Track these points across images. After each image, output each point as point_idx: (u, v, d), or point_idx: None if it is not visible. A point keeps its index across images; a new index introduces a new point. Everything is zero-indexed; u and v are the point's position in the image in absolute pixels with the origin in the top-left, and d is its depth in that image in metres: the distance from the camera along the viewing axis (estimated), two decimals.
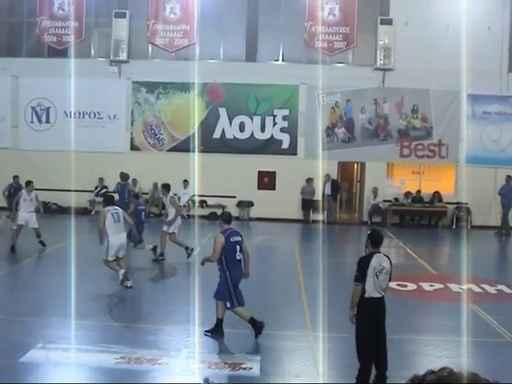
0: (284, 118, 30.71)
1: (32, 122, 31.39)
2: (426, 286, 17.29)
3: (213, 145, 30.48)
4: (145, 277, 18.18)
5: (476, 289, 16.92)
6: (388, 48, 30.03)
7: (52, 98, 31.09)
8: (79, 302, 13.64)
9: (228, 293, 12.02)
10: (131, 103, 31.07)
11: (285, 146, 30.77)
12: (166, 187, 20.47)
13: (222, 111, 30.80)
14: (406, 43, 29.64)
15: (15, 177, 25.75)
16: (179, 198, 30.12)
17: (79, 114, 30.98)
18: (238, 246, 12.07)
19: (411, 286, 17.03)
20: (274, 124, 30.75)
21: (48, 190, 26.50)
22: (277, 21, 31.03)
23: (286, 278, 18.09)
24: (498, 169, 29.36)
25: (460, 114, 30.12)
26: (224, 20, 31.14)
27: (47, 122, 31.35)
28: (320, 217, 29.95)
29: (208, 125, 30.76)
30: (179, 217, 20.17)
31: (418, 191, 30.57)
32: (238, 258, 12.08)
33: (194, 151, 29.43)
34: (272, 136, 30.79)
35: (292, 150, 30.71)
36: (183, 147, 30.33)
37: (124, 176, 25.08)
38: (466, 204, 30.01)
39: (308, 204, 30.54)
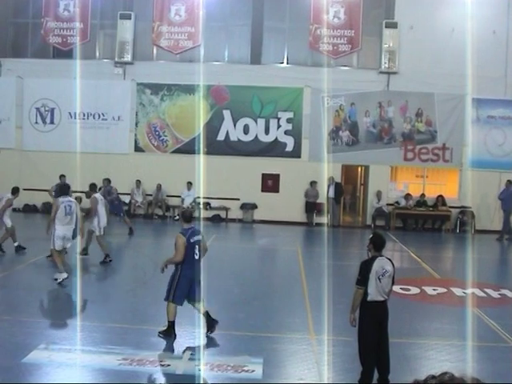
0: (288, 120, 30.70)
1: (36, 122, 31.44)
2: (429, 290, 17.25)
3: (217, 147, 30.49)
4: (148, 278, 18.18)
5: (479, 293, 16.88)
6: (393, 51, 30.02)
7: (56, 99, 31.14)
8: (82, 303, 13.64)
9: (169, 286, 12.12)
10: (136, 105, 31.10)
11: (289, 148, 30.76)
12: (92, 187, 20.74)
13: (227, 113, 30.81)
14: (410, 47, 29.66)
15: (62, 176, 25.86)
16: (183, 200, 30.27)
17: (84, 115, 31.01)
18: (197, 246, 12.18)
19: (414, 290, 17.00)
20: (279, 127, 30.75)
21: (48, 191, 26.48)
22: (282, 23, 31.04)
23: (289, 281, 18.07)
24: (502, 173, 29.32)
25: (464, 118, 30.10)
26: (229, 22, 31.17)
27: (52, 122, 31.38)
28: (324, 220, 29.95)
29: (212, 127, 30.77)
30: (105, 218, 19.79)
31: (422, 195, 30.54)
32: (195, 257, 12.17)
33: (198, 153, 29.45)
34: (276, 138, 30.79)
35: (296, 153, 30.71)
36: (187, 149, 30.37)
37: (107, 181, 24.94)
38: (470, 208, 29.98)
39: (312, 207, 30.52)
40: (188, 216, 12.60)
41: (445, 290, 17.37)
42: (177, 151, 30.96)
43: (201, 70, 29.32)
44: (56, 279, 15.82)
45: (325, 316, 12.88)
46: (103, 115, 31.07)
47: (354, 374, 9.85)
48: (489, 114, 30.12)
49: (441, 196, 30.36)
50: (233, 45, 31.36)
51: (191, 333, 12.30)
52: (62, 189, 17.26)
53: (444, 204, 30.32)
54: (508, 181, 28.30)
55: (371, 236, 10.08)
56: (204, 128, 30.58)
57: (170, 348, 11.66)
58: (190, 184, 30.22)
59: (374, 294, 9.56)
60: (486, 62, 28.36)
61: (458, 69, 28.43)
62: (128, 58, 30.80)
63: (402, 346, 11.57)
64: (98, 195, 20.02)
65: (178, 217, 29.66)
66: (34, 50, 31.91)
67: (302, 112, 30.65)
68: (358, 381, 9.69)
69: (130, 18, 30.61)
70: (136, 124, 31.17)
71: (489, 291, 17.20)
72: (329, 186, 30.13)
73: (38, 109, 31.43)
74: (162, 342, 12.00)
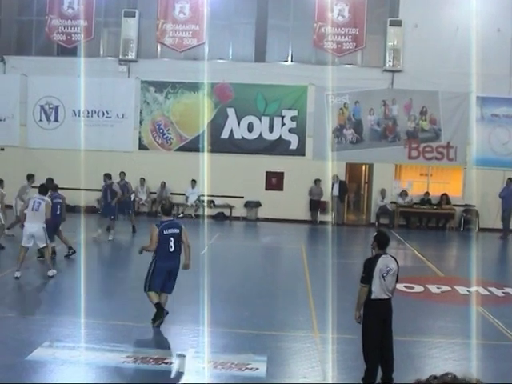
0: (292, 118, 30.69)
1: (41, 120, 31.45)
2: (433, 288, 17.25)
3: (221, 145, 30.49)
4: None
5: (483, 291, 16.87)
6: (397, 50, 29.97)
7: (61, 97, 31.15)
8: (86, 301, 13.66)
9: (146, 277, 12.58)
10: (140, 102, 31.11)
11: (293, 146, 30.75)
12: (29, 178, 21.09)
13: (231, 111, 30.80)
14: (415, 45, 29.61)
15: (121, 173, 26.31)
16: (187, 198, 30.29)
17: (88, 112, 31.03)
18: (172, 239, 12.48)
19: (418, 288, 17.00)
20: (283, 125, 30.73)
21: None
22: (286, 21, 31.02)
23: (293, 279, 18.08)
24: (506, 171, 29.24)
25: (469, 117, 30.05)
26: (233, 20, 31.16)
27: (56, 120, 31.40)
28: (328, 218, 29.94)
29: (216, 125, 30.77)
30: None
31: (426, 193, 30.51)
32: (170, 250, 12.48)
33: (202, 151, 29.46)
34: (280, 137, 30.77)
35: (300, 151, 30.70)
36: (191, 147, 30.37)
37: (107, 176, 24.93)
38: (474, 206, 29.95)
39: (316, 205, 30.51)
40: (166, 209, 13.13)
41: (449, 289, 17.37)
42: (181, 149, 30.95)
43: (205, 67, 29.31)
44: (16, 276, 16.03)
45: (329, 314, 12.89)
46: (107, 113, 31.07)
47: (357, 373, 9.85)
48: (493, 113, 30.07)
49: (445, 194, 30.32)
50: (237, 43, 31.35)
51: (195, 330, 12.31)
52: (41, 188, 17.37)
53: (448, 202, 30.29)
54: (509, 179, 28.25)
55: (375, 234, 10.07)
56: (208, 126, 30.58)
57: (173, 346, 11.67)
58: (194, 182, 30.23)
59: (378, 291, 9.56)
60: (491, 60, 28.30)
61: (462, 67, 28.40)
62: (132, 55, 30.79)
63: (405, 344, 11.57)
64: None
65: (181, 214, 29.71)
66: (39, 47, 31.93)
67: (306, 110, 30.63)
68: (361, 379, 9.69)
69: (135, 16, 30.59)
70: (140, 122, 31.18)
71: (493, 289, 17.20)
72: (333, 184, 30.10)
73: (42, 106, 31.45)
74: (166, 340, 12.02)
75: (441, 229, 30.31)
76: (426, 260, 21.92)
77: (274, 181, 30.92)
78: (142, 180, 30.36)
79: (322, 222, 30.07)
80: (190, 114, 30.75)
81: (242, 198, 30.75)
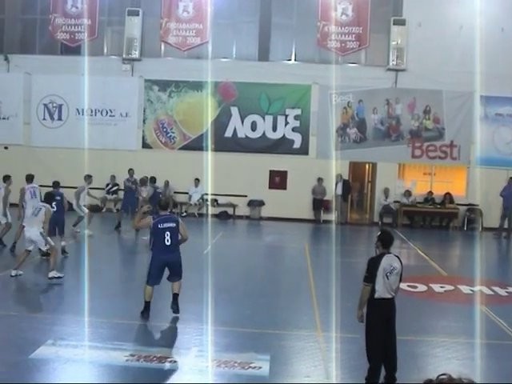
0: (296, 117, 30.69)
1: (44, 119, 31.50)
2: (436, 288, 17.23)
3: (224, 144, 30.49)
4: None
5: (487, 291, 16.86)
6: (401, 48, 29.96)
7: (64, 96, 31.20)
8: (90, 299, 13.67)
9: (147, 272, 13.03)
10: (143, 101, 31.14)
11: (296, 145, 30.76)
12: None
13: (234, 110, 30.81)
14: (418, 44, 29.59)
15: (130, 170, 26.81)
16: (190, 197, 30.31)
17: (91, 111, 31.07)
18: (168, 232, 12.84)
19: (421, 288, 16.98)
20: (286, 123, 30.74)
21: (59, 187, 26.47)
22: (289, 20, 31.00)
23: (297, 278, 18.07)
24: (510, 171, 29.22)
25: (472, 116, 30.03)
26: (237, 19, 31.16)
27: (59, 119, 31.44)
28: (331, 217, 29.93)
29: (220, 124, 30.78)
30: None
31: (430, 192, 30.50)
32: (167, 243, 12.83)
33: (205, 150, 29.46)
34: (284, 135, 30.78)
35: (304, 150, 30.69)
36: (195, 146, 30.38)
37: (152, 180, 24.89)
38: (478, 206, 29.93)
39: (319, 204, 30.52)
40: (163, 204, 13.66)
41: (452, 288, 17.35)
42: (184, 148, 30.98)
43: (208, 66, 29.31)
44: (12, 275, 16.11)
45: (332, 313, 12.87)
46: (111, 112, 31.11)
47: (360, 372, 9.83)
48: (497, 112, 30.05)
49: (448, 193, 30.32)
50: (241, 41, 31.35)
51: (198, 329, 12.31)
52: (46, 195, 17.68)
53: (451, 201, 30.28)
54: (511, 178, 28.25)
55: (379, 233, 10.05)
56: (212, 125, 30.58)
57: (177, 344, 11.68)
58: (197, 181, 30.25)
59: (381, 291, 9.55)
60: (495, 60, 28.27)
61: (466, 66, 28.39)
62: (136, 54, 30.80)
63: (409, 344, 11.56)
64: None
65: (185, 213, 29.72)
66: (42, 46, 31.96)
67: (309, 109, 30.63)
68: (364, 378, 9.68)
69: (138, 15, 30.61)
70: (144, 121, 31.20)
71: (496, 289, 17.18)
72: (336, 184, 30.10)
73: (45, 105, 31.49)
74: (170, 339, 12.03)
75: (444, 228, 30.30)
76: (430, 259, 21.91)
77: (278, 180, 30.93)
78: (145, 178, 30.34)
79: (326, 221, 30.07)
80: (193, 112, 30.76)
81: (246, 196, 30.76)
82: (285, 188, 30.90)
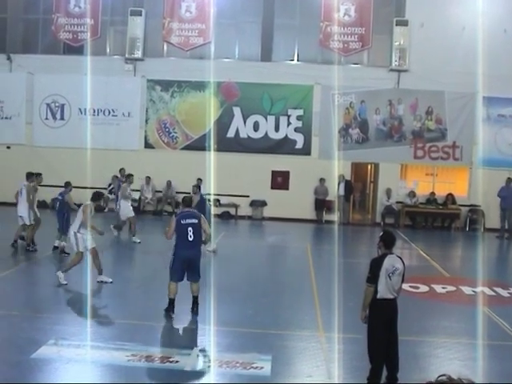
0: (298, 117, 30.70)
1: (47, 118, 31.52)
2: (438, 288, 17.23)
3: (227, 144, 30.49)
4: (156, 274, 18.20)
5: (488, 292, 16.85)
6: (403, 49, 29.95)
7: (67, 95, 31.22)
8: (91, 299, 13.67)
9: (169, 267, 13.15)
10: (146, 101, 31.16)
11: (299, 145, 30.76)
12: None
13: (237, 110, 30.82)
14: (421, 45, 29.58)
15: (121, 169, 26.84)
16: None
17: (94, 111, 31.08)
18: (190, 228, 12.96)
19: (423, 288, 16.98)
20: (289, 124, 30.74)
21: (62, 187, 26.47)
22: (292, 21, 30.99)
23: (299, 278, 18.07)
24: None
25: (475, 117, 30.02)
26: (239, 19, 31.16)
27: (62, 118, 31.46)
28: (333, 217, 29.93)
29: (222, 124, 30.79)
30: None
31: (432, 193, 30.49)
32: (189, 239, 12.95)
33: (207, 150, 29.47)
34: (286, 136, 30.78)
35: (306, 150, 30.70)
36: (197, 146, 30.39)
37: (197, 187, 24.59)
38: (480, 206, 29.91)
39: (321, 204, 30.53)
40: (187, 200, 13.84)
41: (454, 289, 17.35)
42: (187, 148, 31.00)
43: (211, 66, 29.31)
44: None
45: (334, 314, 12.87)
46: (113, 111, 31.12)
47: (362, 372, 9.84)
48: (499, 113, 30.03)
49: (450, 194, 30.31)
50: (243, 42, 31.35)
51: (200, 329, 12.32)
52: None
53: (454, 202, 30.27)
54: (508, 178, 28.25)
55: (381, 234, 10.06)
56: (214, 125, 30.59)
57: (178, 344, 11.68)
58: (199, 181, 30.22)
59: (383, 291, 9.54)
60: (497, 61, 28.24)
61: (468, 67, 28.38)
62: (138, 54, 30.82)
63: (410, 344, 11.56)
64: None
65: None
66: (45, 45, 31.97)
67: (312, 109, 30.63)
68: (366, 378, 9.68)
69: (141, 15, 30.62)
70: (146, 121, 31.22)
71: (498, 290, 17.17)
72: (339, 184, 30.10)
73: (48, 105, 31.51)
74: (171, 339, 12.03)
75: (446, 229, 30.28)
76: (432, 260, 21.90)
77: (280, 180, 30.94)
78: (148, 179, 30.38)
79: (328, 222, 30.08)
80: (195, 112, 30.77)
81: (248, 197, 30.76)
82: (287, 188, 30.90)
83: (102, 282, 15.73)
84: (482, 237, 28.36)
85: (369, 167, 33.52)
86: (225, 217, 30.36)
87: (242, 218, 30.65)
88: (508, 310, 15.06)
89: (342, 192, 30.18)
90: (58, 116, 31.50)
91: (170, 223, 13.22)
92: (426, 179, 31.46)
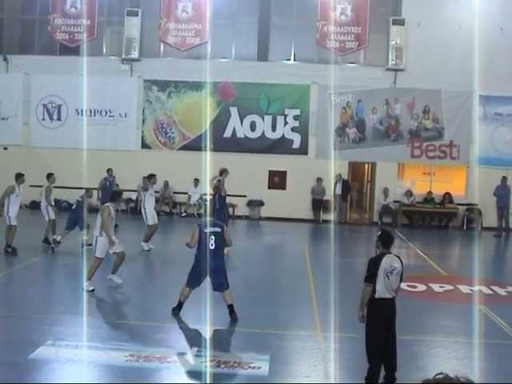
0: (295, 117, 30.69)
1: (43, 119, 31.49)
2: (435, 287, 17.24)
3: (224, 144, 30.46)
4: (154, 275, 18.20)
5: (486, 290, 16.86)
6: (400, 48, 29.96)
7: (63, 96, 31.19)
8: (89, 300, 13.67)
9: (189, 274, 13.18)
10: (142, 101, 31.14)
11: (296, 145, 30.75)
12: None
13: (233, 110, 30.81)
14: (418, 44, 29.58)
15: (108, 169, 26.67)
16: (190, 197, 30.31)
17: (90, 111, 31.06)
18: (212, 237, 12.98)
19: (421, 287, 16.99)
20: (285, 123, 30.74)
21: (58, 188, 26.47)
22: (289, 20, 30.99)
23: (296, 278, 18.06)
24: (509, 170, 29.21)
25: (471, 115, 30.03)
26: (236, 19, 31.15)
27: (58, 119, 31.45)
28: (331, 217, 29.93)
29: (219, 124, 30.77)
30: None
31: (429, 192, 30.50)
32: (211, 247, 12.94)
33: (204, 150, 29.44)
34: (283, 135, 30.78)
35: (303, 150, 30.69)
36: (194, 146, 30.36)
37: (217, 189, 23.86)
38: (477, 205, 29.93)
39: (318, 204, 30.53)
40: (210, 210, 14.57)
41: (451, 288, 17.36)
42: (184, 148, 30.98)
43: (208, 66, 29.27)
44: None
45: (331, 313, 12.88)
46: (110, 112, 31.11)
47: (360, 372, 9.83)
48: (496, 111, 30.05)
49: (448, 193, 30.32)
50: (240, 42, 31.34)
51: (198, 329, 12.32)
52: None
53: (451, 201, 30.29)
54: (503, 177, 28.30)
55: (380, 233, 10.05)
56: (211, 125, 30.56)
57: (176, 344, 11.67)
58: (196, 181, 30.24)
59: (381, 291, 9.54)
60: (494, 59, 28.24)
61: (465, 65, 28.37)
62: (135, 54, 30.80)
63: (408, 343, 11.56)
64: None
65: (184, 214, 29.75)
66: (41, 46, 31.95)
67: (308, 109, 30.63)
68: (364, 378, 9.68)
69: (137, 15, 30.60)
70: (143, 121, 31.21)
71: (496, 288, 17.20)
72: (336, 183, 30.11)
73: (44, 105, 31.48)
74: (169, 339, 12.02)
75: (443, 228, 30.29)
76: (429, 259, 21.92)
77: (277, 180, 30.93)
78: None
79: (325, 221, 30.08)
80: (192, 112, 30.76)
81: (245, 196, 30.75)
82: (284, 188, 30.91)
83: (111, 280, 15.63)
84: (479, 236, 28.38)
85: (366, 166, 33.53)
86: None
87: (240, 217, 30.64)
88: (505, 309, 15.08)
89: (339, 191, 30.19)
90: (55, 117, 31.48)
91: (193, 232, 13.15)
92: (423, 178, 31.47)
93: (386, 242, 9.83)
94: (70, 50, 31.41)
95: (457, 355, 11.54)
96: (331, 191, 30.14)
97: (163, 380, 10.06)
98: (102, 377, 10.02)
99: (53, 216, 20.98)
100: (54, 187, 22.65)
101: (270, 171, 30.87)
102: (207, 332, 12.04)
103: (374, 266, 9.64)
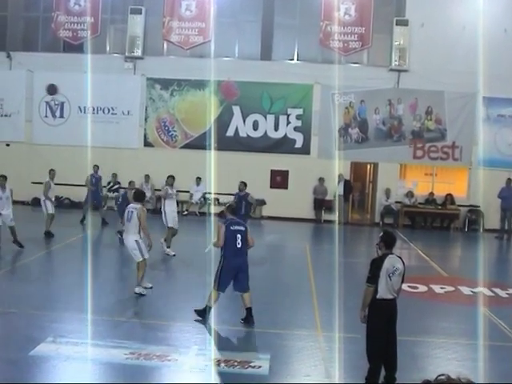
0: (298, 117, 30.67)
1: (46, 116, 31.50)
2: (436, 289, 17.23)
3: (226, 143, 30.44)
4: (156, 273, 18.18)
5: (487, 292, 16.85)
6: (403, 49, 29.93)
7: (66, 93, 31.18)
8: (90, 297, 13.66)
9: (215, 275, 12.77)
10: (145, 99, 31.13)
11: (298, 145, 30.73)
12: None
13: (236, 109, 30.79)
14: (421, 44, 29.55)
15: (94, 166, 26.78)
16: (192, 196, 30.30)
17: (93, 109, 31.05)
18: (238, 235, 12.72)
19: (422, 288, 16.98)
20: (288, 123, 30.72)
21: (61, 185, 26.44)
22: (292, 20, 30.97)
23: (297, 278, 18.07)
24: (511, 172, 29.17)
25: (474, 117, 29.99)
26: (239, 18, 31.13)
27: (61, 116, 31.45)
28: (332, 217, 29.89)
29: (222, 123, 30.76)
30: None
31: (431, 193, 30.47)
32: (238, 246, 12.68)
33: (207, 149, 29.44)
34: (285, 135, 30.76)
35: (305, 150, 30.68)
36: (196, 144, 30.38)
37: (244, 184, 23.60)
38: (479, 207, 29.90)
39: (320, 204, 30.51)
40: (234, 208, 13.75)
41: (452, 289, 17.36)
42: (186, 146, 30.98)
43: (211, 65, 29.28)
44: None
45: (332, 313, 12.88)
46: (113, 110, 31.10)
47: (360, 372, 9.83)
48: (499, 113, 30.01)
49: (450, 194, 30.29)
50: (243, 41, 31.32)
51: (198, 328, 12.31)
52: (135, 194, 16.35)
53: (453, 202, 30.25)
54: (508, 179, 28.24)
55: (382, 234, 10.05)
56: (213, 124, 30.55)
57: (177, 343, 11.67)
58: (199, 179, 30.25)
59: (383, 291, 9.54)
60: (497, 61, 28.19)
61: (468, 67, 28.33)
62: (138, 52, 30.82)
63: (409, 344, 11.55)
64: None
65: (186, 212, 29.76)
66: (45, 43, 31.95)
67: (311, 109, 30.61)
68: (365, 378, 9.68)
69: (141, 13, 30.61)
70: (145, 119, 31.20)
71: (497, 290, 17.18)
72: (338, 183, 30.07)
73: (47, 102, 31.50)
74: (170, 337, 12.01)
75: (445, 229, 30.26)
76: (430, 260, 21.90)
77: (279, 179, 30.92)
78: (147, 177, 30.33)
79: (327, 221, 30.05)
80: (195, 111, 30.76)
81: None
82: (286, 187, 30.88)
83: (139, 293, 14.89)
84: (480, 237, 28.36)
85: (368, 167, 33.49)
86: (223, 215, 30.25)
87: None
88: (506, 311, 15.06)
89: (341, 192, 30.14)
90: (58, 114, 31.49)
91: (218, 231, 12.81)
92: (426, 179, 31.44)
93: (388, 242, 9.83)
94: (74, 47, 31.42)
95: (457, 356, 11.53)
96: (333, 191, 30.11)
97: (163, 378, 10.05)
98: (103, 374, 10.03)
99: (51, 210, 21.60)
100: (56, 184, 22.70)
101: (272, 170, 30.85)
102: (208, 331, 12.03)
103: (376, 266, 9.64)
